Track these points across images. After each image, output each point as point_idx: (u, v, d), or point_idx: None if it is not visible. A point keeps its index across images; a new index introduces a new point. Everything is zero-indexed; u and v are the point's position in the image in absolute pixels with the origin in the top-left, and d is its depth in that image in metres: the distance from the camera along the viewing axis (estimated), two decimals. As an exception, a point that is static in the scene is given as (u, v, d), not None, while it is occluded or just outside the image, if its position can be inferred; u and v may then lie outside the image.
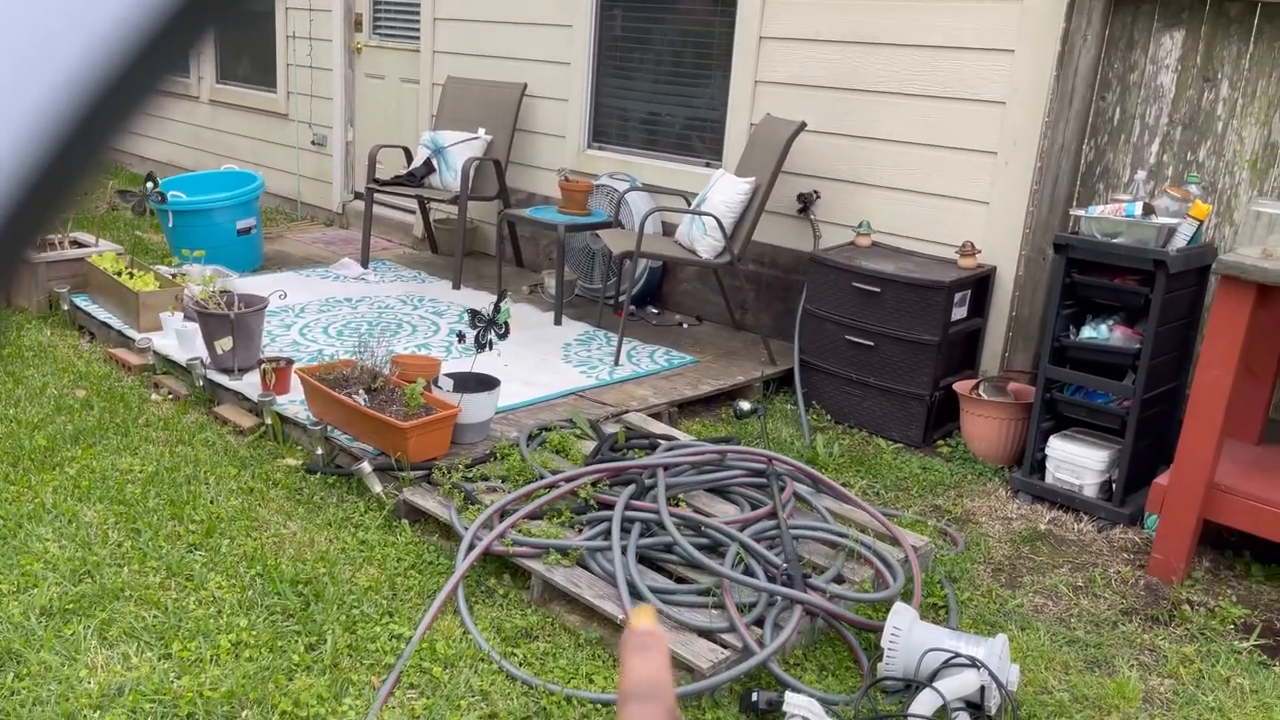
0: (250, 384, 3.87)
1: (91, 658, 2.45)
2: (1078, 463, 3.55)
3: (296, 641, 2.56)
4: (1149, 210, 3.38)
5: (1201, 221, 3.36)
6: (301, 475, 3.42)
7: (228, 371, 3.95)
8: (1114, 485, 3.50)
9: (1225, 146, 3.64)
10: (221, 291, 4.03)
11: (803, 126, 4.35)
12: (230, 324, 3.89)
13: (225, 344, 3.91)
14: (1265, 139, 3.56)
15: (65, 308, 4.83)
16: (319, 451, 3.48)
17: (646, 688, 0.38)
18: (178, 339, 4.21)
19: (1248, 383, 3.37)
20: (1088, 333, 3.55)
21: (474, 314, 3.52)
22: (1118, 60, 3.83)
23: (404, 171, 5.81)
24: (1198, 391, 3.04)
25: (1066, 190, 3.93)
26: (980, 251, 4.15)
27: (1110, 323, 3.53)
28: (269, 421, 3.68)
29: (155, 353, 4.25)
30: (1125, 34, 3.81)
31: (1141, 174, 3.66)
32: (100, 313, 4.68)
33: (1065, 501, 3.57)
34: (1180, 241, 3.35)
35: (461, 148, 5.63)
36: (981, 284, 4.15)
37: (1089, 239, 3.42)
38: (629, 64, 5.45)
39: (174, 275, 4.84)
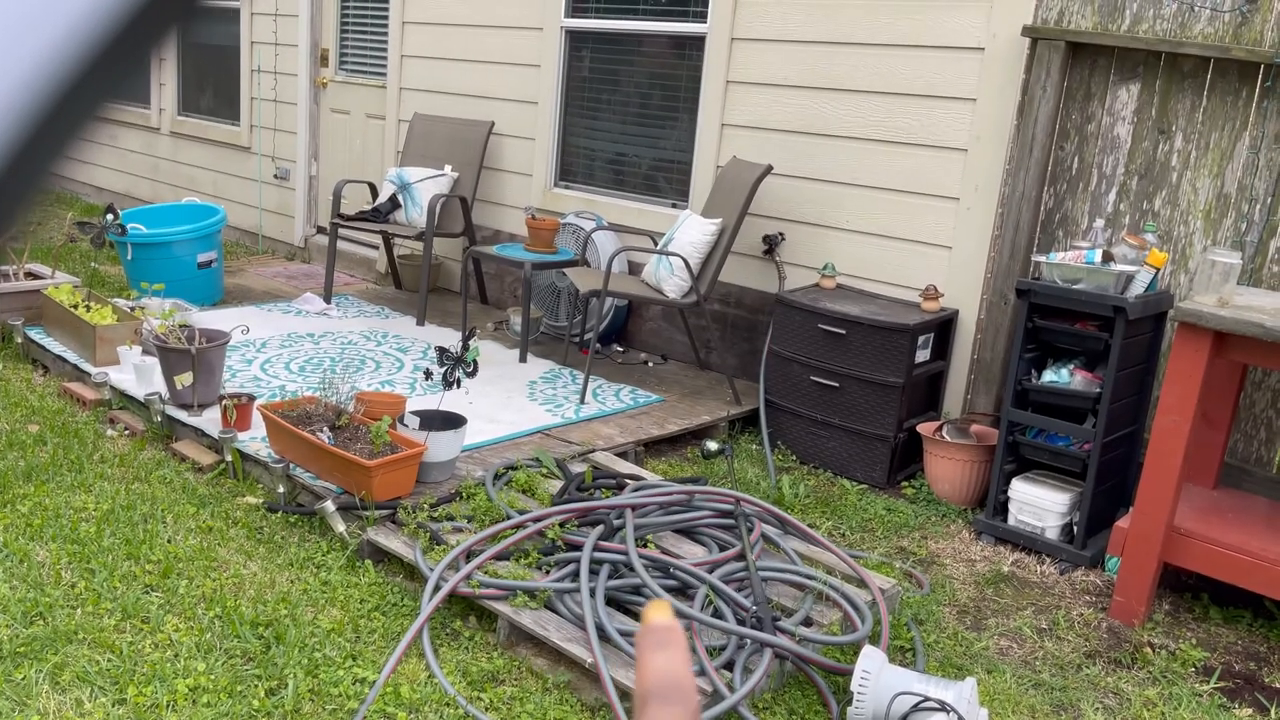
0: (210, 420, 3.80)
1: (43, 703, 2.37)
2: (1040, 505, 3.59)
3: (256, 686, 2.50)
4: (1108, 257, 3.46)
5: (1158, 269, 3.44)
6: (262, 514, 3.36)
7: (187, 407, 3.88)
8: (1075, 528, 3.54)
9: (1180, 196, 3.74)
10: (182, 325, 3.97)
11: (769, 170, 4.41)
12: (191, 359, 3.83)
13: (185, 379, 3.84)
14: (1218, 190, 3.66)
15: (19, 340, 4.73)
16: (281, 490, 3.42)
17: (668, 686, 0.36)
18: (135, 373, 4.13)
19: (1204, 428, 3.44)
20: (1049, 376, 3.61)
21: (442, 351, 3.50)
22: (1075, 111, 3.94)
23: (369, 207, 5.79)
24: (1157, 436, 3.10)
25: (1027, 236, 4.01)
26: (943, 295, 4.21)
27: (1071, 367, 3.59)
28: (229, 459, 3.61)
29: (112, 387, 4.17)
30: (1083, 86, 3.91)
31: (1100, 222, 3.75)
32: (55, 346, 4.58)
33: (1028, 544, 3.60)
34: (1138, 288, 3.43)
35: (428, 184, 5.63)
36: (944, 327, 4.20)
37: (1050, 284, 3.49)
38: (597, 104, 5.50)
39: (133, 309, 4.76)
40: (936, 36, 4.20)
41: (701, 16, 4.95)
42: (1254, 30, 3.52)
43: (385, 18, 6.48)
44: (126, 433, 3.94)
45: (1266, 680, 2.94)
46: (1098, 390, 3.46)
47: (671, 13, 5.10)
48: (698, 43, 4.98)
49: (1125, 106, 3.83)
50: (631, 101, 5.35)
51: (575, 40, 5.50)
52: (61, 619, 2.70)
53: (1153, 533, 3.12)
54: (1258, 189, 3.58)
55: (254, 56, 7.27)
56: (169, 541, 3.14)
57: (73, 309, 4.55)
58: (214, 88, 7.72)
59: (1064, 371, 3.59)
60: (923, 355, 4.08)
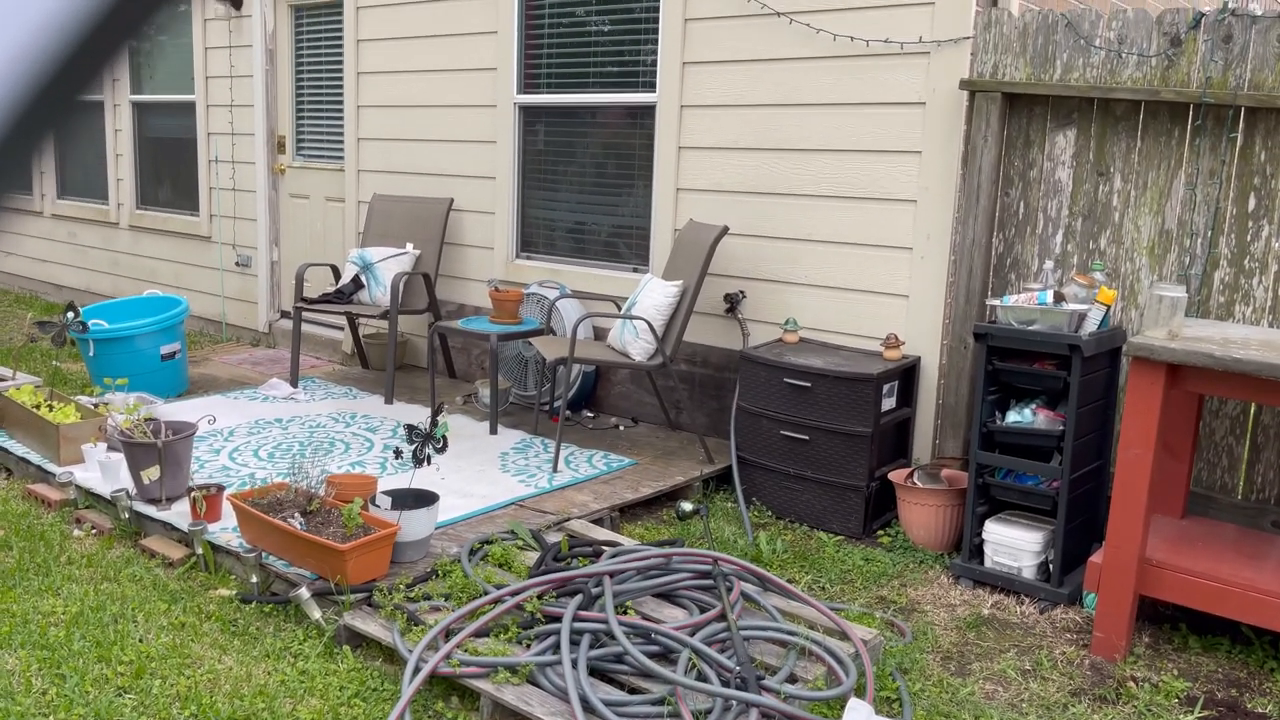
0: (179, 513, 3.76)
1: (15, 819, 2.31)
2: (1014, 545, 3.61)
3: (236, 784, 2.44)
4: (1059, 298, 3.54)
5: (1109, 306, 3.53)
6: (236, 606, 3.31)
7: (155, 502, 3.83)
8: (1051, 566, 3.57)
9: (1123, 235, 3.85)
10: (147, 419, 3.94)
11: (725, 230, 4.48)
12: (157, 452, 3.80)
13: (152, 473, 3.80)
14: (1160, 226, 3.77)
15: (-20, 444, 4.66)
16: (254, 579, 3.38)
17: None
18: (101, 471, 4.08)
19: (1167, 459, 3.49)
20: (1013, 417, 3.66)
21: (411, 429, 3.50)
22: (1017, 158, 4.06)
23: (332, 289, 5.80)
24: (1121, 470, 3.14)
25: (981, 281, 4.10)
26: (904, 343, 4.28)
27: (1033, 406, 3.65)
28: (200, 551, 3.56)
29: (77, 486, 4.11)
30: (1022, 134, 4.04)
31: (1049, 263, 3.85)
32: (18, 448, 4.52)
33: (1006, 585, 3.62)
34: (1091, 326, 3.51)
35: (390, 263, 5.66)
36: (908, 374, 4.26)
37: (1006, 327, 3.56)
38: (554, 176, 5.59)
39: (96, 405, 4.72)
40: (879, 93, 4.32)
41: (650, 86, 5.07)
42: (1181, 72, 3.66)
43: (340, 102, 6.57)
44: (94, 532, 3.88)
45: (1249, 706, 2.95)
46: (1061, 428, 3.51)
47: (621, 84, 5.21)
48: (648, 111, 5.09)
49: (1064, 151, 3.95)
50: (587, 171, 5.44)
51: (529, 115, 5.61)
52: (32, 728, 2.63)
53: (1126, 566, 3.15)
54: (1198, 223, 3.69)
55: (211, 147, 7.32)
56: (141, 641, 3.09)
57: (35, 409, 4.50)
58: (172, 180, 7.76)
59: (1027, 411, 3.64)
60: (889, 403, 4.13)
